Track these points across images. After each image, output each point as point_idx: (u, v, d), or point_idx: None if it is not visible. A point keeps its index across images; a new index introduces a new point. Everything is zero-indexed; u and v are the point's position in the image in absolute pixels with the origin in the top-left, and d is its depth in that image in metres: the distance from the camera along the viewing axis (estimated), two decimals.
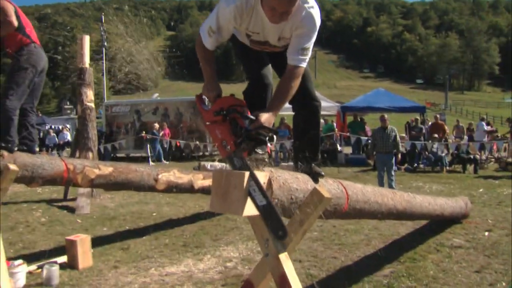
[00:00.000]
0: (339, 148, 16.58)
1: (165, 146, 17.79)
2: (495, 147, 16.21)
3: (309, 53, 2.43)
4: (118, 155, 18.87)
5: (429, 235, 5.70)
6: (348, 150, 17.24)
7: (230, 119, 2.23)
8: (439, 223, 5.97)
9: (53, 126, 28.08)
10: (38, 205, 8.27)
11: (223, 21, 2.36)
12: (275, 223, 2.08)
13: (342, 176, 11.85)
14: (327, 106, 19.75)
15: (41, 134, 25.23)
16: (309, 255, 4.98)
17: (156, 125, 17.85)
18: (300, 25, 2.36)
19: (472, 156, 13.56)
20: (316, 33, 2.42)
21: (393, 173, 8.98)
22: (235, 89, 2.88)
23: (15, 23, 4.09)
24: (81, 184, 4.65)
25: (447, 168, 13.65)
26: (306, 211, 2.27)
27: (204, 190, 6.02)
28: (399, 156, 10.01)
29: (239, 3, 2.28)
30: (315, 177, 2.62)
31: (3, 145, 3.86)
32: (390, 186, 8.70)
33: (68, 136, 22.95)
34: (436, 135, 14.45)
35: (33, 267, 4.51)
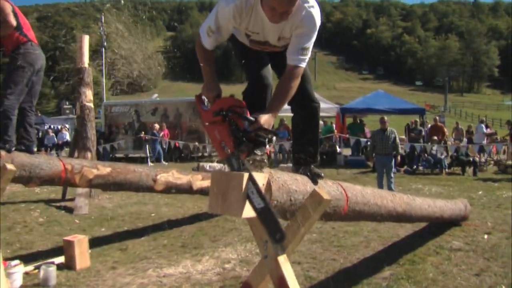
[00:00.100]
0: (338, 149, 16.55)
1: (164, 146, 17.77)
2: (494, 149, 16.19)
3: (309, 53, 2.41)
4: (117, 155, 18.84)
5: (429, 238, 5.68)
6: (347, 151, 17.22)
7: (229, 120, 2.21)
8: (438, 226, 5.95)
9: (52, 126, 28.06)
10: (36, 205, 8.24)
11: (222, 21, 2.34)
12: (273, 226, 2.06)
13: (341, 177, 11.83)
14: (327, 107, 19.71)
15: (40, 134, 25.21)
16: (308, 257, 4.96)
17: (157, 126, 17.83)
18: (300, 24, 2.34)
19: (471, 159, 13.55)
20: (316, 33, 2.39)
21: (392, 175, 8.96)
22: (234, 90, 2.85)
23: (14, 23, 4.07)
24: (79, 184, 4.63)
25: (446, 170, 13.63)
26: (305, 213, 2.25)
27: (203, 191, 6.00)
28: (399, 158, 9.98)
29: (239, 2, 2.26)
30: (315, 178, 2.61)
31: (1, 145, 3.84)
32: (389, 188, 8.68)
33: (67, 136, 22.91)
34: (435, 137, 14.44)
35: (30, 267, 4.48)
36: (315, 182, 2.58)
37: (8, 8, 4.04)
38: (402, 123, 20.91)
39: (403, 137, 16.13)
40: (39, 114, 32.79)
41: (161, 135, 17.58)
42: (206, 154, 18.16)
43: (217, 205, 2.16)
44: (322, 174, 2.68)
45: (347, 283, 4.11)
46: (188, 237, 5.95)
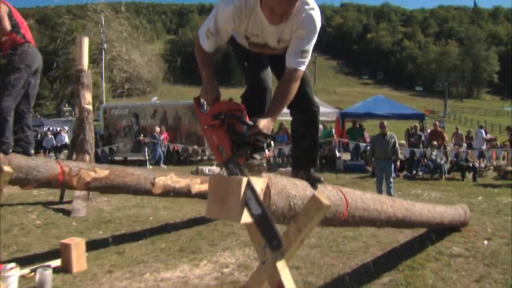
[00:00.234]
0: (337, 154, 16.53)
1: (163, 150, 17.72)
2: (494, 155, 16.17)
3: (309, 56, 2.38)
4: (115, 158, 18.80)
5: (428, 243, 5.64)
6: (346, 156, 17.19)
7: (228, 124, 2.17)
8: (438, 231, 5.92)
9: (51, 128, 27.99)
10: (34, 208, 8.20)
11: (221, 22, 2.31)
12: (270, 232, 2.03)
13: (340, 182, 11.80)
14: (326, 112, 19.72)
15: (39, 136, 25.16)
16: (306, 262, 4.92)
17: (157, 128, 17.79)
18: (300, 26, 2.31)
19: (471, 164, 13.53)
20: (316, 36, 2.36)
21: (392, 180, 8.93)
22: (234, 93, 2.82)
23: (8, 27, 4.04)
24: (76, 187, 4.60)
25: (446, 175, 13.61)
26: (304, 218, 2.22)
27: (202, 195, 5.96)
28: (398, 163, 9.96)
29: (238, 3, 2.23)
30: (314, 183, 2.57)
31: None
32: (389, 193, 8.66)
33: (66, 138, 22.86)
34: (435, 143, 14.42)
35: (26, 270, 4.44)
36: (314, 186, 2.55)
37: (3, 10, 4.02)
38: (401, 128, 20.87)
39: (403, 142, 16.11)
40: (38, 116, 32.76)
41: (161, 138, 17.55)
42: (205, 158, 18.13)
43: (215, 210, 2.13)
44: (322, 179, 2.64)
45: None
46: (186, 241, 5.91)
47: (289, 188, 2.32)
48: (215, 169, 12.40)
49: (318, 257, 5.15)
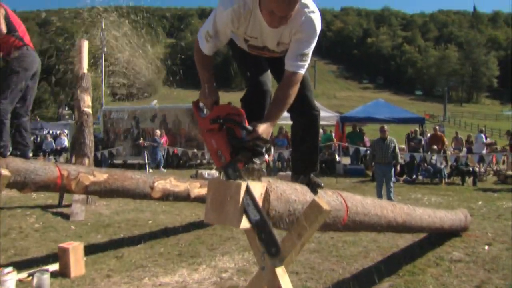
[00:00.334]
0: (337, 158, 16.51)
1: (163, 153, 17.69)
2: (494, 159, 16.15)
3: (308, 60, 2.35)
4: (115, 161, 18.77)
5: (429, 248, 5.62)
6: (346, 160, 17.16)
7: (227, 128, 2.15)
8: (438, 236, 5.90)
9: (50, 131, 27.94)
10: (33, 211, 8.18)
11: (220, 25, 2.29)
12: (268, 239, 2.01)
13: (340, 186, 11.78)
14: (326, 116, 19.70)
15: (38, 139, 25.12)
16: (306, 267, 4.89)
17: (158, 132, 17.77)
18: (299, 30, 2.29)
19: (471, 168, 13.50)
20: (316, 39, 2.33)
21: (392, 184, 8.91)
22: (234, 97, 2.80)
23: (4, 30, 4.01)
24: (75, 190, 4.58)
25: (446, 180, 13.58)
26: (304, 224, 2.19)
27: (201, 199, 5.94)
28: (398, 167, 9.94)
29: (237, 6, 2.21)
30: (314, 188, 2.55)
31: None
32: (389, 198, 8.63)
33: (66, 142, 22.82)
34: (435, 147, 14.40)
35: (23, 274, 4.41)
36: (314, 191, 2.52)
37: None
38: (401, 132, 20.85)
39: (403, 146, 16.09)
40: (38, 119, 32.75)
41: (162, 141, 17.52)
42: (204, 162, 18.10)
43: (213, 215, 2.11)
44: (322, 184, 2.62)
45: None
46: (185, 246, 5.88)
47: (289, 193, 2.30)
48: (215, 173, 12.37)
49: (318, 262, 5.12)
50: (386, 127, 9.22)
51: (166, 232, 6.63)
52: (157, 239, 6.21)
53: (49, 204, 8.89)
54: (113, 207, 8.59)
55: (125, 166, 17.70)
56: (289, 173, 10.28)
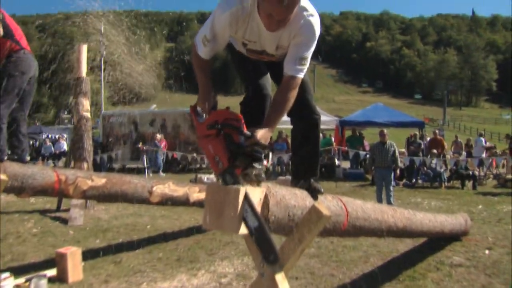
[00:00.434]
0: (337, 162, 16.48)
1: (162, 157, 17.66)
2: (494, 163, 16.13)
3: (307, 63, 2.32)
4: (114, 165, 18.72)
5: (429, 253, 5.59)
6: (346, 164, 17.14)
7: (225, 134, 2.11)
8: (438, 240, 5.86)
9: (49, 135, 27.94)
10: (31, 216, 8.13)
11: (218, 29, 2.26)
12: (267, 246, 1.98)
13: (340, 190, 11.75)
14: (326, 120, 19.70)
15: (37, 143, 25.10)
16: (306, 272, 4.85)
17: (158, 136, 17.74)
18: (298, 33, 2.26)
19: (470, 172, 13.48)
20: (315, 43, 2.30)
21: (391, 188, 8.88)
22: (233, 102, 2.77)
23: (0, 33, 3.99)
24: (73, 195, 4.54)
25: (446, 184, 13.55)
26: (304, 229, 2.16)
27: (200, 203, 5.89)
28: (398, 171, 9.92)
29: (235, 9, 2.18)
30: (314, 193, 2.52)
31: None
32: (389, 202, 8.60)
33: (65, 146, 22.81)
34: (434, 151, 14.38)
35: (21, 280, 4.37)
36: (314, 197, 2.49)
37: None
38: (401, 136, 20.87)
39: (403, 150, 16.08)
40: (37, 123, 32.73)
41: (162, 145, 17.50)
42: (204, 166, 18.05)
43: (212, 221, 2.08)
44: (322, 190, 2.58)
45: None
46: (184, 250, 5.84)
47: (288, 198, 2.27)
48: (214, 177, 12.33)
49: (317, 267, 5.08)
50: (385, 131, 9.20)
51: (165, 237, 6.59)
52: (155, 244, 6.17)
53: (47, 208, 8.85)
54: (112, 212, 8.55)
55: (124, 170, 17.66)
56: (288, 177, 10.25)
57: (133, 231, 7.07)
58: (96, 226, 7.36)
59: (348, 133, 18.81)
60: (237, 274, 4.85)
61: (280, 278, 2.13)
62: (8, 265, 5.06)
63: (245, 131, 2.08)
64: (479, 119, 71.38)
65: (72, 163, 8.27)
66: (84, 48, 8.57)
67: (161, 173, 16.69)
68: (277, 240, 2.21)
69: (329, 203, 2.58)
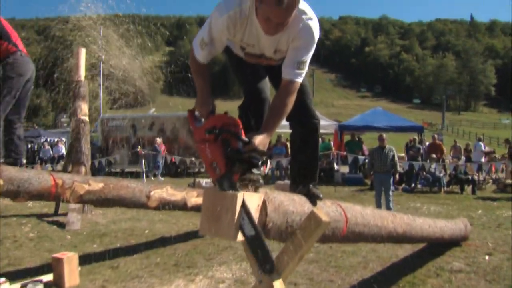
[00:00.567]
0: (336, 167, 16.46)
1: (161, 161, 17.62)
2: (493, 168, 16.11)
3: (306, 67, 2.28)
4: (113, 170, 18.66)
5: (429, 258, 5.56)
6: (345, 169, 17.12)
7: (222, 139, 2.07)
8: (438, 246, 5.83)
9: (48, 139, 27.91)
10: (28, 220, 8.09)
11: (215, 32, 2.22)
12: (263, 256, 1.95)
13: (339, 195, 11.73)
14: (325, 124, 19.68)
15: (36, 146, 25.06)
16: (304, 278, 4.82)
17: (158, 140, 17.70)
18: (297, 37, 2.22)
19: (470, 177, 13.46)
20: (314, 46, 2.27)
21: (390, 193, 8.85)
22: (232, 106, 2.74)
23: None
24: (69, 200, 4.49)
25: (445, 188, 13.53)
26: (303, 236, 2.13)
27: (198, 208, 5.79)
28: (397, 176, 9.89)
29: (232, 12, 2.14)
30: (313, 199, 2.48)
31: None
32: (388, 207, 8.57)
33: (63, 150, 22.77)
34: (434, 155, 14.36)
35: (16, 285, 4.32)
36: (313, 203, 2.46)
37: None
38: (400, 140, 20.84)
39: (402, 155, 16.04)
40: (36, 127, 32.70)
41: (162, 149, 17.47)
42: (202, 170, 18.01)
43: (208, 227, 2.04)
44: (321, 195, 2.54)
45: None
46: (182, 255, 5.80)
47: (287, 204, 2.23)
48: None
49: (316, 272, 5.04)
50: (384, 135, 9.18)
51: (163, 242, 6.55)
52: (153, 249, 6.13)
53: (45, 212, 8.81)
54: (109, 216, 8.51)
55: (123, 174, 17.60)
56: (287, 182, 10.22)
57: (131, 235, 7.03)
58: (94, 231, 7.32)
59: (347, 137, 18.76)
60: (235, 279, 4.81)
61: (278, 284, 2.09)
62: (4, 270, 5.01)
63: (243, 137, 2.04)
64: (478, 124, 71.46)
65: (70, 167, 8.23)
66: (83, 51, 8.56)
67: (160, 177, 16.65)
68: (276, 246, 2.17)
69: (328, 209, 2.54)
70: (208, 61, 2.34)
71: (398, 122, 18.45)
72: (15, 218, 8.21)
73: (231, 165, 2.02)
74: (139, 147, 17.70)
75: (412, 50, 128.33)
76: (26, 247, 6.21)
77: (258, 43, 2.32)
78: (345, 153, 16.52)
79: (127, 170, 18.77)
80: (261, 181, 2.13)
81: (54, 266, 4.60)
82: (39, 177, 4.09)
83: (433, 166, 13.60)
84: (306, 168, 2.63)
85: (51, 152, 22.94)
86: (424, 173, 13.78)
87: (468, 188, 13.38)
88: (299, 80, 2.27)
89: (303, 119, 2.57)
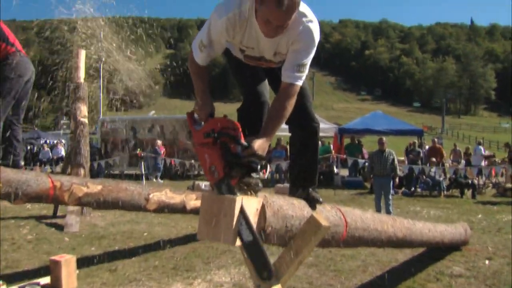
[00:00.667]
0: (335, 170, 16.44)
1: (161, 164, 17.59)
2: (493, 172, 16.08)
3: (306, 70, 2.25)
4: (112, 172, 18.62)
5: (428, 263, 5.53)
6: (344, 172, 17.10)
7: (221, 143, 2.04)
8: (438, 250, 5.80)
9: (47, 141, 27.88)
10: (26, 222, 8.06)
11: (215, 35, 2.20)
12: (260, 262, 1.92)
13: (338, 198, 11.69)
14: (325, 127, 19.65)
15: (35, 148, 25.03)
16: (303, 282, 4.79)
17: (159, 142, 17.67)
18: (297, 39, 2.20)
19: (470, 181, 13.43)
20: (314, 49, 2.24)
21: (390, 197, 8.83)
22: (232, 109, 2.71)
23: None
24: (68, 202, 4.46)
25: (445, 192, 13.49)
26: (302, 240, 2.11)
27: (197, 211, 5.77)
28: (397, 179, 9.86)
29: (232, 14, 2.12)
30: (312, 203, 2.46)
31: None
32: (388, 210, 8.55)
33: (63, 151, 22.76)
34: (433, 159, 14.33)
35: None
36: (313, 207, 2.43)
37: None
38: (400, 144, 20.83)
39: (402, 158, 16.02)
40: (36, 129, 32.67)
41: (162, 151, 17.44)
42: (202, 173, 17.97)
43: (206, 231, 2.02)
44: (321, 200, 2.52)
45: None
46: (180, 259, 5.77)
47: (286, 208, 2.21)
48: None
49: (315, 276, 5.01)
50: (384, 139, 9.15)
51: (162, 245, 6.51)
52: (152, 252, 6.09)
53: (43, 214, 8.77)
54: (108, 219, 8.47)
55: (122, 176, 17.57)
56: (287, 185, 10.20)
57: (129, 238, 6.99)
58: (92, 233, 7.28)
59: (347, 141, 18.74)
60: (233, 283, 4.78)
61: None
62: (2, 272, 4.98)
63: (242, 140, 2.01)
64: (478, 128, 71.50)
65: (69, 169, 8.20)
66: (83, 53, 8.54)
67: (159, 180, 16.62)
68: (276, 249, 2.15)
69: (328, 213, 2.52)
70: (207, 64, 2.32)
71: (398, 126, 18.43)
72: (13, 220, 8.18)
73: (230, 169, 2.00)
74: (139, 149, 17.67)
75: (412, 54, 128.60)
76: (24, 249, 6.18)
77: (258, 46, 2.30)
78: (345, 156, 16.48)
79: (126, 172, 18.75)
80: (260, 185, 2.10)
81: (52, 268, 4.57)
82: (37, 179, 4.06)
83: (433, 170, 13.58)
84: (305, 172, 2.61)
85: (50, 154, 22.92)
86: (424, 177, 13.75)
87: (468, 192, 13.34)
88: (299, 83, 2.24)
89: (303, 122, 2.55)
